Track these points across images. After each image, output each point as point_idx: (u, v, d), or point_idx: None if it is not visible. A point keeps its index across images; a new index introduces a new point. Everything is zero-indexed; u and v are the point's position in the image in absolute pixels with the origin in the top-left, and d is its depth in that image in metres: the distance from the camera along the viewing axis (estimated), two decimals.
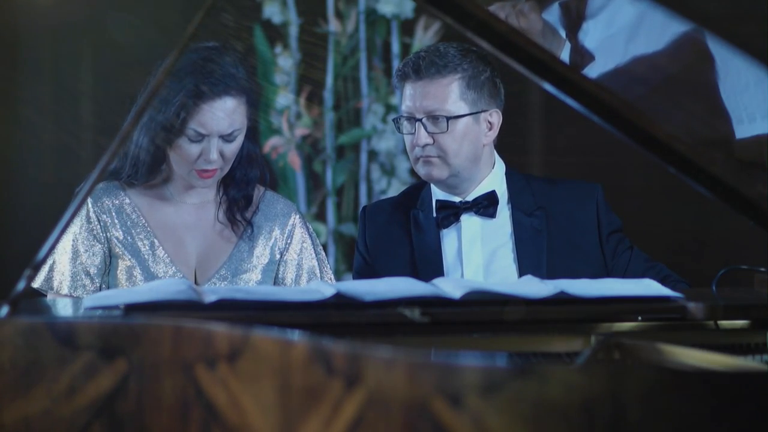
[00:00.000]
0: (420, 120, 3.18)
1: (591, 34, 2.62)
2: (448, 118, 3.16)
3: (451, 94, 3.17)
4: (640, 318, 2.49)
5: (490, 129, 3.22)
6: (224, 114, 3.00)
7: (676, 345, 2.29)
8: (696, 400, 1.90)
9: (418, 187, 3.32)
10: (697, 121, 2.52)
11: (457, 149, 3.18)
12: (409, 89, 3.21)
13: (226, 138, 3.02)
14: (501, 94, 3.25)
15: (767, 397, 1.90)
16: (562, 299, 2.48)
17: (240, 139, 3.05)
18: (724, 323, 2.49)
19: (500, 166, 3.29)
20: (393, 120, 3.29)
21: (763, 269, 2.73)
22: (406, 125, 3.21)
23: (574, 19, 2.64)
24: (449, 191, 3.25)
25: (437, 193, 3.26)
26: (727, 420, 1.90)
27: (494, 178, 3.26)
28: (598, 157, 5.40)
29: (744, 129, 2.51)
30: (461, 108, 3.18)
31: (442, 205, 3.24)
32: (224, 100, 3.00)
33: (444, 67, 3.17)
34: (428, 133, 3.18)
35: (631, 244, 3.25)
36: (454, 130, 3.17)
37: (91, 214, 3.08)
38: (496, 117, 3.23)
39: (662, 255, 3.96)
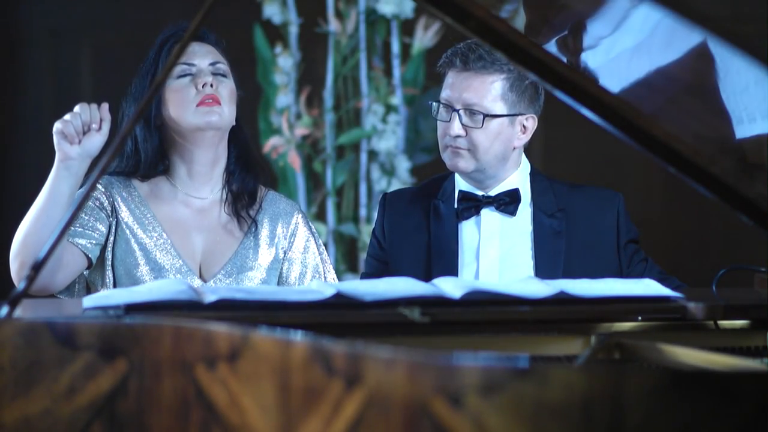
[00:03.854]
0: (457, 110, 3.19)
1: (612, 48, 2.60)
2: (485, 115, 3.17)
3: (492, 91, 3.18)
4: (640, 318, 2.49)
5: (524, 133, 3.23)
6: (203, 49, 3.10)
7: (676, 345, 2.29)
8: (696, 400, 1.90)
9: (442, 178, 3.33)
10: (708, 128, 2.51)
11: (487, 146, 3.19)
12: (451, 78, 3.22)
13: (215, 72, 3.07)
14: (540, 101, 3.26)
15: (767, 397, 1.90)
16: (562, 299, 2.48)
17: (231, 84, 3.09)
18: (724, 323, 2.49)
19: (525, 167, 3.29)
20: (429, 103, 3.29)
21: (763, 269, 2.73)
22: (441, 112, 3.22)
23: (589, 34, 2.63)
24: (473, 184, 3.26)
25: (461, 184, 3.27)
26: (727, 420, 1.90)
27: (519, 177, 3.27)
28: (597, 157, 5.40)
29: (744, 129, 2.51)
30: (500, 108, 3.19)
31: (464, 196, 3.25)
32: (199, 43, 3.10)
33: (491, 64, 3.17)
34: (462, 125, 3.19)
35: (646, 256, 3.26)
36: (488, 128, 3.18)
37: (101, 197, 3.08)
38: (531, 122, 3.23)
39: (662, 255, 3.96)
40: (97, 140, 2.88)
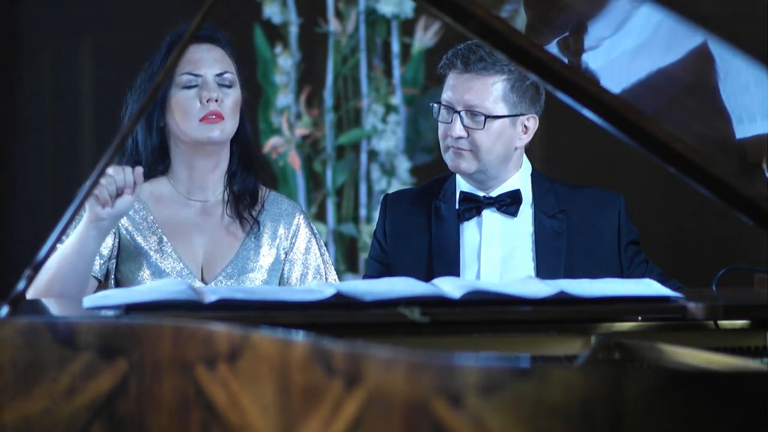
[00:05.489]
0: (458, 112, 3.19)
1: (613, 48, 2.60)
2: (486, 116, 3.17)
3: (493, 92, 3.19)
4: (640, 318, 2.49)
5: (525, 133, 3.24)
6: (212, 56, 3.08)
7: (676, 345, 2.29)
8: (696, 400, 1.90)
9: (443, 179, 3.34)
10: (708, 128, 2.51)
11: (489, 147, 3.19)
12: (452, 79, 3.22)
13: (221, 83, 3.06)
14: (541, 101, 3.26)
15: (767, 397, 1.90)
16: (562, 299, 2.48)
17: (236, 93, 3.08)
18: (724, 323, 2.49)
19: (527, 168, 3.30)
20: (430, 105, 3.30)
21: (763, 269, 2.73)
22: (443, 113, 3.22)
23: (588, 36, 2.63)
24: (474, 185, 3.26)
25: (462, 185, 3.28)
26: (727, 420, 1.90)
27: (520, 178, 3.27)
28: (598, 157, 5.40)
29: (744, 129, 2.51)
30: (501, 108, 3.19)
31: (466, 197, 3.25)
32: (208, 46, 3.08)
33: (492, 65, 3.18)
34: (464, 126, 3.19)
35: (647, 258, 3.26)
36: (490, 129, 3.18)
37: None
38: (533, 122, 3.24)
39: (662, 255, 3.97)
40: (128, 201, 2.81)
